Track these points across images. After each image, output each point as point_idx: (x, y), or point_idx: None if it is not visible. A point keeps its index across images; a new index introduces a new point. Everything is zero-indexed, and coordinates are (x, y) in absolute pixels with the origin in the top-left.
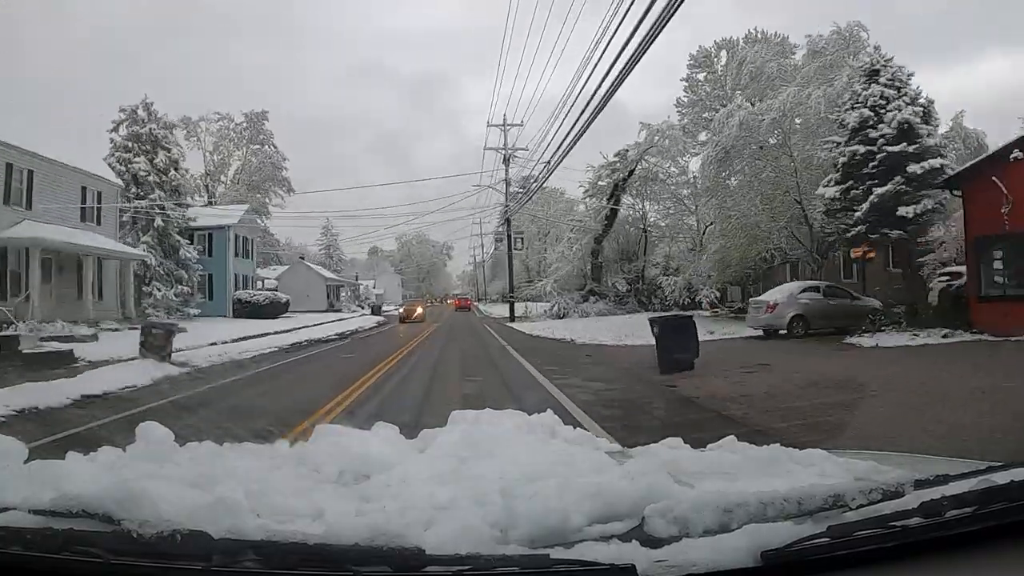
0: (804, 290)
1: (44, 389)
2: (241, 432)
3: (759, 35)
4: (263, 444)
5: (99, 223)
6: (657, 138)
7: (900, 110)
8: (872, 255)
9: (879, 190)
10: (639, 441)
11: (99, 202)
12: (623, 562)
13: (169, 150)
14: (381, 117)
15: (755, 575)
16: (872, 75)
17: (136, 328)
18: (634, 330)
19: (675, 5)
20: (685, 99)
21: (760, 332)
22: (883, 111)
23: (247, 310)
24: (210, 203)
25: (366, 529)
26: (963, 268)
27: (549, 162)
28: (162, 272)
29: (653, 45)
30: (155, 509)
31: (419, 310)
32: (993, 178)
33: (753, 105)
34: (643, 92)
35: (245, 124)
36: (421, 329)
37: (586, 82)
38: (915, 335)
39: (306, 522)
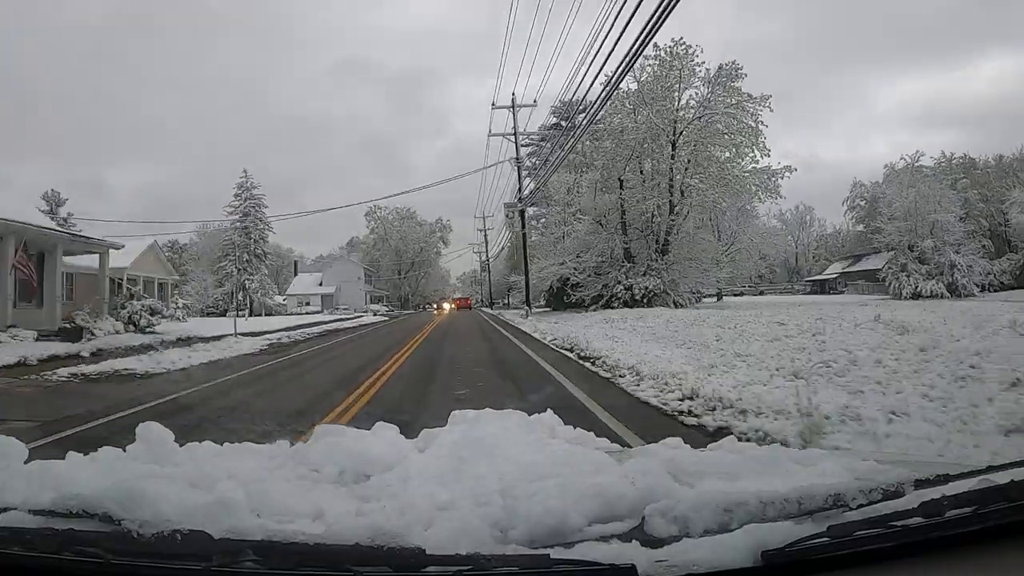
0: None
1: None
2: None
3: None
4: (263, 444)
5: None
6: None
7: None
8: None
9: None
10: None
11: None
12: (623, 562)
13: None
14: (368, 114)
15: (755, 575)
16: None
17: None
18: None
19: None
20: None
21: None
22: None
23: None
24: None
25: (366, 529)
26: None
27: None
28: None
29: None
30: (155, 509)
31: None
32: None
33: None
34: None
35: None
36: None
37: None
38: None
39: (306, 522)
